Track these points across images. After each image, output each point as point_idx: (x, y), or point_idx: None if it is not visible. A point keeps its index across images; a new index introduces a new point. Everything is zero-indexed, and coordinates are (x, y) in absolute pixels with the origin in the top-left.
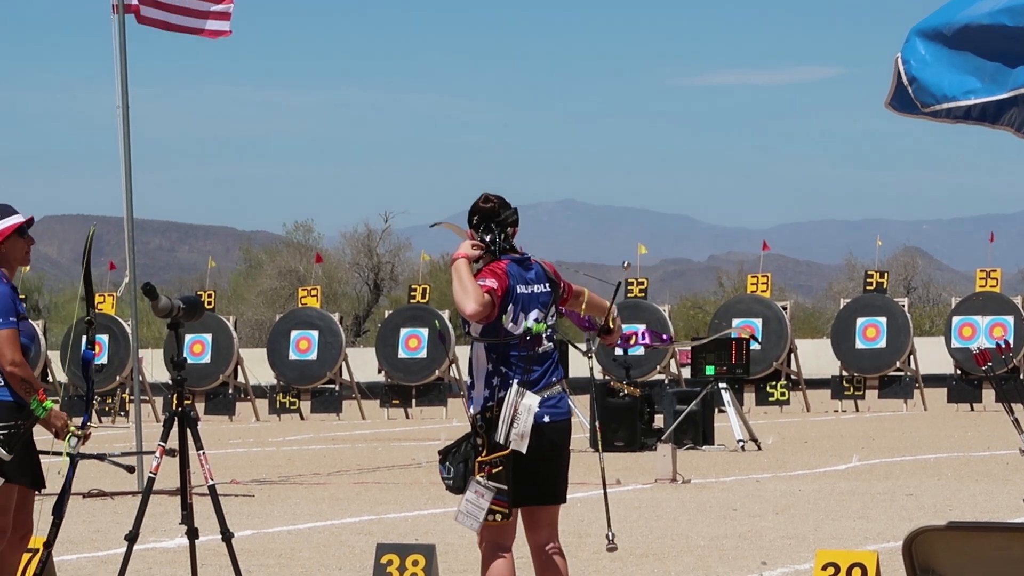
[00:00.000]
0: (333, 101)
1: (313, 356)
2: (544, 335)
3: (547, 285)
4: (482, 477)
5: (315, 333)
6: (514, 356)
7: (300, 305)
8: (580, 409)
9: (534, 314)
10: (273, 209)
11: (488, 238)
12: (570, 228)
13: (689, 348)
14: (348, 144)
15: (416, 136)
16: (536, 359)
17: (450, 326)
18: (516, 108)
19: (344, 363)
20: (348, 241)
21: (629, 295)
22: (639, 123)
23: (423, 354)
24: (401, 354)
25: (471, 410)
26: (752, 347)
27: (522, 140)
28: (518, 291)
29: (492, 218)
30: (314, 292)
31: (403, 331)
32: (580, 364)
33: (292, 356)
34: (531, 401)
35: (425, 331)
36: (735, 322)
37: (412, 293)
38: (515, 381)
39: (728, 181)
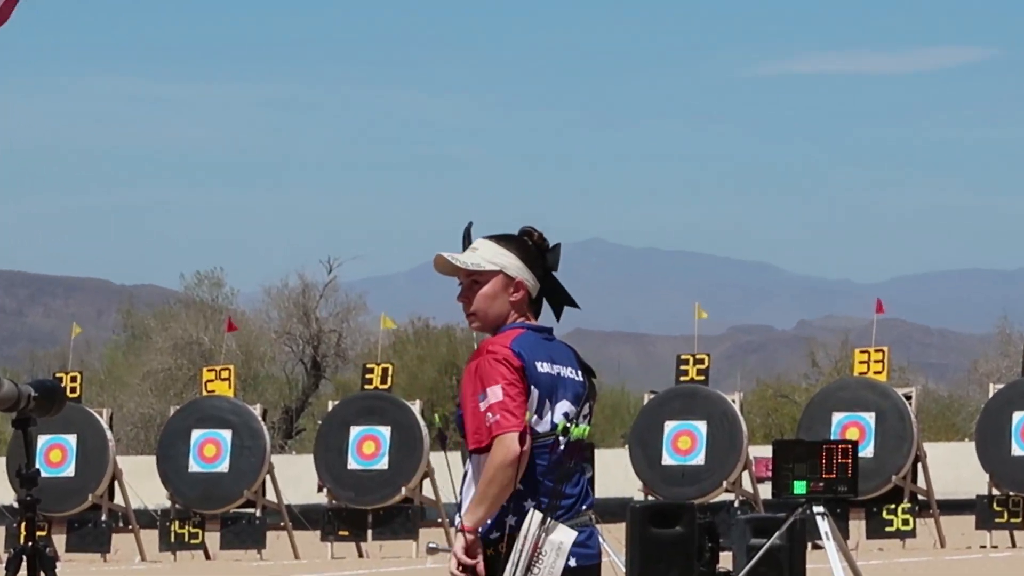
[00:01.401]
0: (253, 99)
1: (223, 467)
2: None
3: (579, 373)
4: None
5: (227, 434)
6: (539, 467)
7: (205, 393)
8: (612, 544)
9: (564, 406)
10: (166, 254)
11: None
12: (597, 280)
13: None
14: (274, 161)
15: (377, 149)
16: (568, 474)
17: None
18: (521, 111)
19: (269, 477)
20: (274, 299)
21: (683, 378)
22: (694, 133)
23: (383, 463)
24: (352, 464)
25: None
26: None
27: (529, 156)
28: (538, 369)
29: (551, 262)
30: (225, 374)
31: (354, 430)
32: (609, 478)
33: (193, 467)
34: (563, 537)
35: (386, 430)
36: (835, 418)
37: (368, 375)
38: (532, 503)
39: (823, 215)
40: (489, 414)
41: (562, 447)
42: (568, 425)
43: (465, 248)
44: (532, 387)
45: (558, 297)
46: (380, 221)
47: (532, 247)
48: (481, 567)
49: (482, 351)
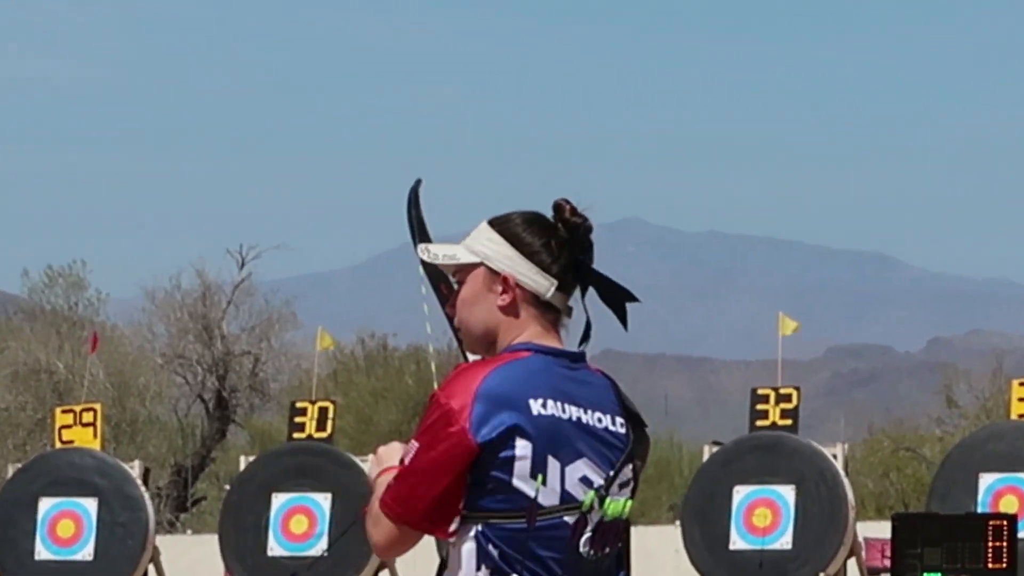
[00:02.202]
0: (127, 20)
1: (86, 552)
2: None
3: (618, 421)
4: None
5: (91, 504)
6: (542, 557)
7: (59, 444)
8: None
9: (583, 467)
10: (1, 243)
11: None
12: (634, 277)
13: None
14: (160, 110)
15: (311, 93)
16: (591, 569)
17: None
18: (526, 37)
19: (153, 566)
20: (160, 307)
21: (760, 423)
22: (772, 69)
23: (321, 547)
24: (274, 548)
25: None
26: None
27: (538, 103)
28: (532, 411)
29: (585, 251)
30: (88, 416)
31: (279, 499)
32: (653, 568)
33: (42, 552)
34: None
35: (325, 499)
36: (984, 481)
37: (298, 418)
38: None
39: (965, 185)
40: (391, 480)
41: (590, 531)
42: (607, 506)
43: (415, 228)
44: (518, 439)
45: (614, 293)
46: (314, 197)
47: (560, 228)
48: None
49: (464, 372)
